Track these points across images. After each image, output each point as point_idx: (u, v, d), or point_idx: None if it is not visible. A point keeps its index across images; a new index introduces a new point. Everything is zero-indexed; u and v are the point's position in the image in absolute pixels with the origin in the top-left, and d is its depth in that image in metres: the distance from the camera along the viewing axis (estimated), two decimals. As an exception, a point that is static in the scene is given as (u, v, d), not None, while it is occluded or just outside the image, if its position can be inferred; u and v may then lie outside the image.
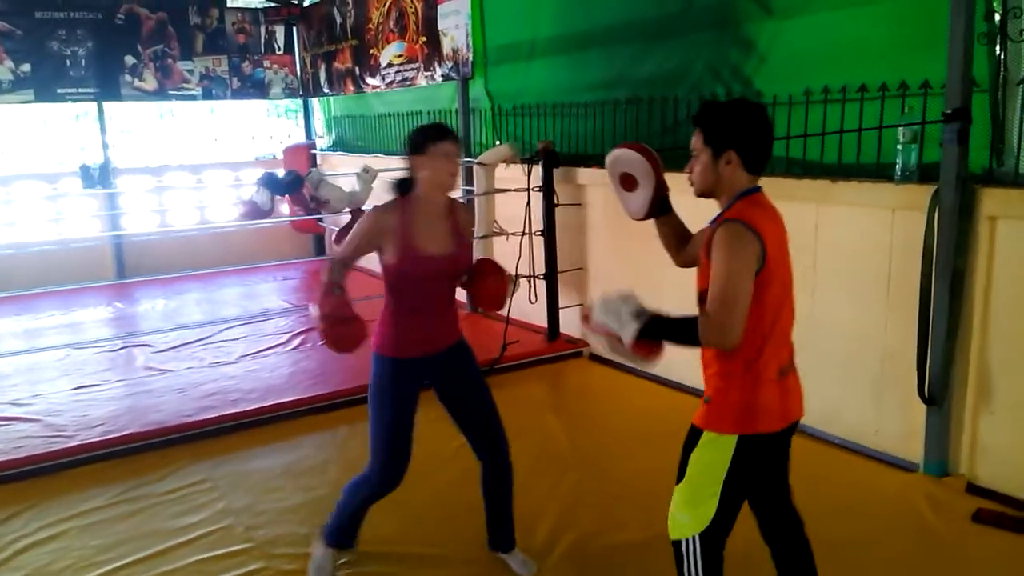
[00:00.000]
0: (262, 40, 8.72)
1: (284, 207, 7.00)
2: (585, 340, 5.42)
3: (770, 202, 2.12)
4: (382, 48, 7.24)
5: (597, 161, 5.14)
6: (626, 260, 4.97)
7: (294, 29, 8.85)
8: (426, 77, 6.61)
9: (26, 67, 7.51)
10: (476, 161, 5.81)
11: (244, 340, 5.77)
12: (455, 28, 6.10)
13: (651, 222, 2.44)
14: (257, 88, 8.78)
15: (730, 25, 4.26)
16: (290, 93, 9.03)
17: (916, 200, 3.34)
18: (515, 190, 5.40)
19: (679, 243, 2.41)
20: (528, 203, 5.26)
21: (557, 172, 5.23)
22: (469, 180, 6.06)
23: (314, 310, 2.56)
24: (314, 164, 8.93)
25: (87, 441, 3.99)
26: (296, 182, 4.74)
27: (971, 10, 3.09)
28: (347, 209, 5.04)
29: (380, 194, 5.41)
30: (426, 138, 2.55)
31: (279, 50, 8.84)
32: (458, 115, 6.37)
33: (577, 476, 3.62)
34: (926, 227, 3.28)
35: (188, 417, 4.28)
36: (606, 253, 5.25)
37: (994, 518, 3.07)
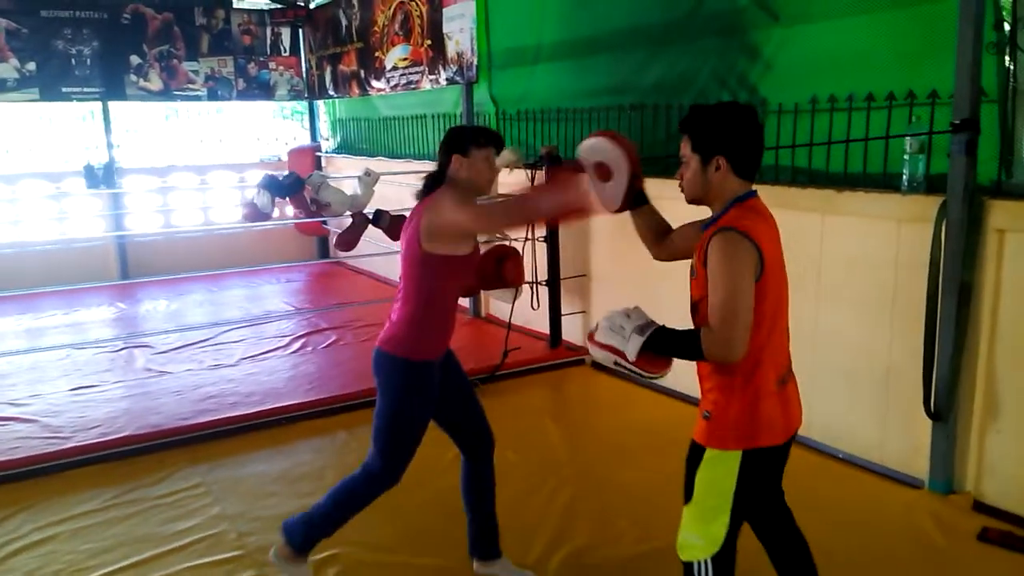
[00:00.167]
0: (268, 42, 8.71)
1: (288, 209, 6.97)
2: (587, 348, 5.36)
3: (765, 207, 2.07)
4: (387, 51, 7.21)
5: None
6: (629, 267, 4.93)
7: (300, 31, 8.83)
8: (431, 81, 6.58)
9: (31, 66, 7.50)
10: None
11: (245, 343, 5.75)
12: (460, 32, 6.06)
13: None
14: (262, 90, 8.76)
15: (736, 32, 4.23)
16: (295, 95, 9.02)
17: (923, 212, 3.29)
18: (518, 195, 5.36)
19: (656, 237, 2.37)
20: (531, 209, 5.21)
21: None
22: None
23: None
24: (319, 166, 8.92)
25: (83, 443, 3.96)
26: (297, 184, 4.70)
27: (980, 19, 3.04)
28: (348, 212, 5.00)
29: (379, 198, 5.39)
30: (471, 139, 2.51)
31: (285, 52, 8.82)
32: (462, 119, 6.34)
33: (575, 487, 3.57)
34: (933, 239, 3.23)
35: (185, 420, 4.25)
36: (609, 260, 5.21)
37: (1001, 537, 3.02)
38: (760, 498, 2.21)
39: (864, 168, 3.68)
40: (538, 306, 5.35)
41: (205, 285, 7.87)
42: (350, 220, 5.06)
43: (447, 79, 6.34)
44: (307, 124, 9.51)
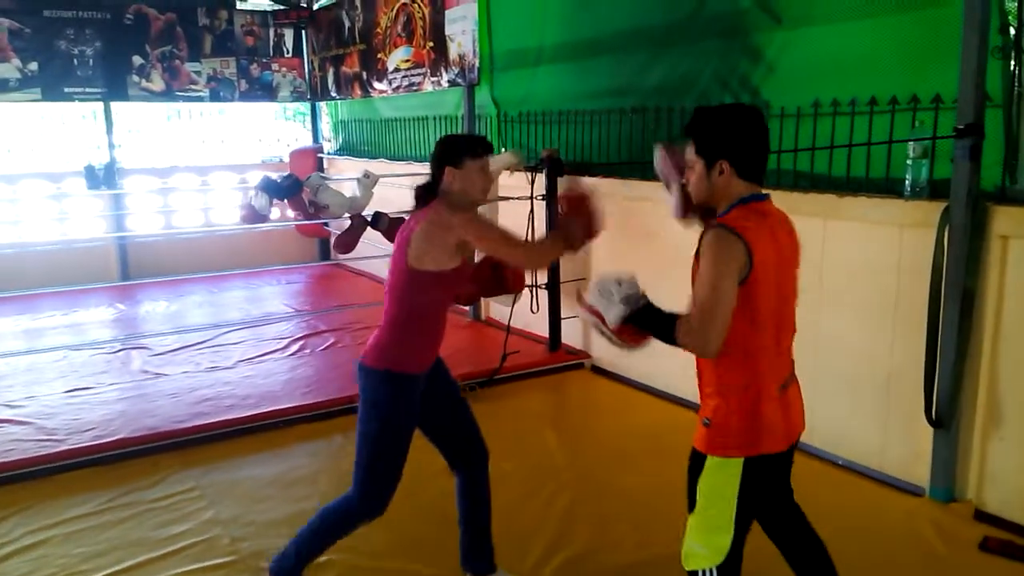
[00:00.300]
0: (271, 43, 8.69)
1: (289, 211, 6.95)
2: (587, 352, 5.34)
3: (776, 210, 2.06)
4: (389, 53, 7.19)
5: (602, 170, 5.08)
6: (629, 270, 4.88)
7: (303, 32, 8.82)
8: (432, 82, 6.56)
9: (33, 66, 7.50)
10: (480, 168, 5.74)
11: (243, 345, 5.72)
12: (462, 33, 6.04)
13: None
14: (265, 91, 8.75)
15: (739, 34, 4.19)
16: (298, 96, 9.00)
17: (926, 217, 3.25)
18: (518, 198, 5.34)
19: None
20: (531, 212, 5.19)
21: (561, 181, 5.15)
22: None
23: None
24: (321, 168, 8.90)
25: (77, 446, 3.94)
26: (295, 186, 4.68)
27: (985, 23, 3.01)
28: (347, 215, 4.97)
29: (379, 200, 5.36)
30: (464, 151, 2.45)
31: (288, 53, 8.81)
32: (464, 121, 6.31)
33: (573, 492, 3.54)
34: (935, 245, 3.19)
35: (181, 423, 4.23)
36: (609, 264, 5.16)
37: (1002, 547, 2.98)
38: (767, 502, 2.19)
39: (867, 173, 3.64)
40: (538, 309, 5.32)
41: (206, 286, 7.84)
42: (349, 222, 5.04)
43: (449, 81, 6.32)
44: (309, 125, 9.50)
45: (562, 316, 5.34)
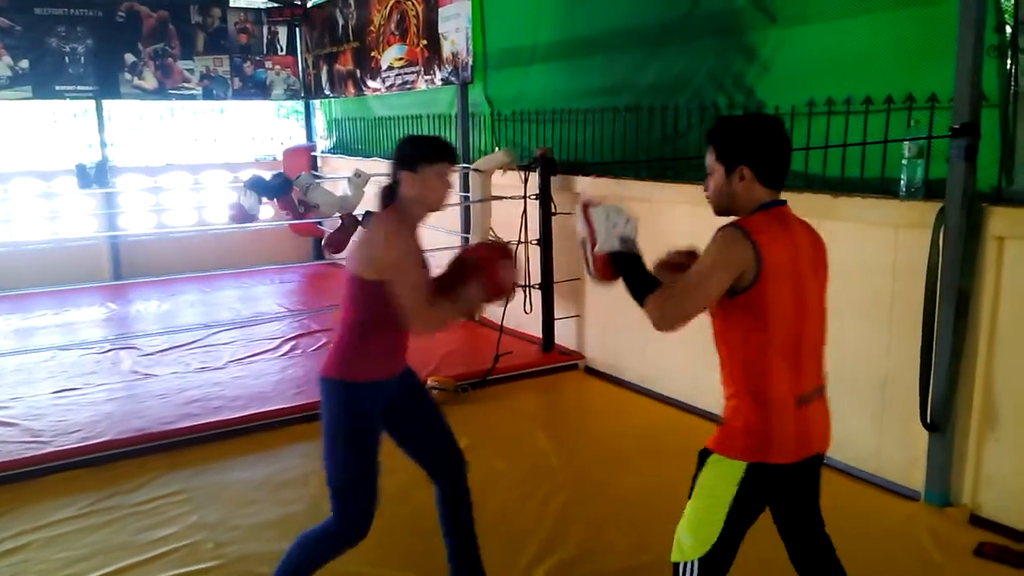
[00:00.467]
0: (264, 40, 8.64)
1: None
2: (581, 352, 5.30)
3: (794, 217, 2.05)
4: (383, 51, 7.15)
5: (596, 169, 5.04)
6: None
7: (297, 30, 8.77)
8: (426, 81, 6.51)
9: (24, 63, 7.45)
10: (472, 167, 5.70)
11: (233, 345, 5.67)
12: (455, 31, 6.00)
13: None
14: (258, 89, 8.69)
15: (733, 33, 4.15)
16: (292, 94, 8.95)
17: (921, 218, 3.21)
18: (511, 197, 5.30)
19: None
20: (524, 211, 5.15)
21: (555, 180, 5.11)
22: (465, 186, 5.95)
23: None
24: (314, 166, 8.85)
25: (62, 448, 3.89)
26: (284, 185, 4.63)
27: (981, 22, 2.97)
28: (337, 214, 4.93)
29: (371, 199, 5.32)
30: (420, 155, 2.32)
31: (282, 51, 8.76)
32: (457, 120, 6.27)
33: (567, 493, 3.50)
34: (931, 246, 3.15)
35: (168, 424, 4.18)
36: (603, 264, 5.12)
37: (997, 553, 2.94)
38: (792, 528, 2.17)
39: (861, 173, 3.60)
40: (531, 310, 5.27)
41: (198, 286, 7.80)
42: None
43: (442, 79, 6.28)
44: (303, 124, 9.44)
45: (556, 317, 5.29)
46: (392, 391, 2.48)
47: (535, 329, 5.41)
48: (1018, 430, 3.06)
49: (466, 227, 6.09)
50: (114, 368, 5.22)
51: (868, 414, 3.55)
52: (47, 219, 7.90)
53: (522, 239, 5.17)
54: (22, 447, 3.92)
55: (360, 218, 4.92)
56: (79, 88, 7.76)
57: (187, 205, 8.69)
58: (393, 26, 6.93)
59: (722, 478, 1.96)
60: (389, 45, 7.04)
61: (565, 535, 3.15)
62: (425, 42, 6.42)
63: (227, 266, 8.18)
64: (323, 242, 5.19)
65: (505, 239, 5.23)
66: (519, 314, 5.30)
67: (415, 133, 7.28)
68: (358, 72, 7.68)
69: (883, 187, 3.48)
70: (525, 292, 5.26)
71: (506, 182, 5.45)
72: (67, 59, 7.63)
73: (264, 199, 4.68)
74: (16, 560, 3.05)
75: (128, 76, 7.96)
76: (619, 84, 4.91)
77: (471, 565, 2.66)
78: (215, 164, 9.08)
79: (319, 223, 7.76)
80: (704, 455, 2.02)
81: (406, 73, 6.82)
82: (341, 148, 9.10)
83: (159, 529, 3.24)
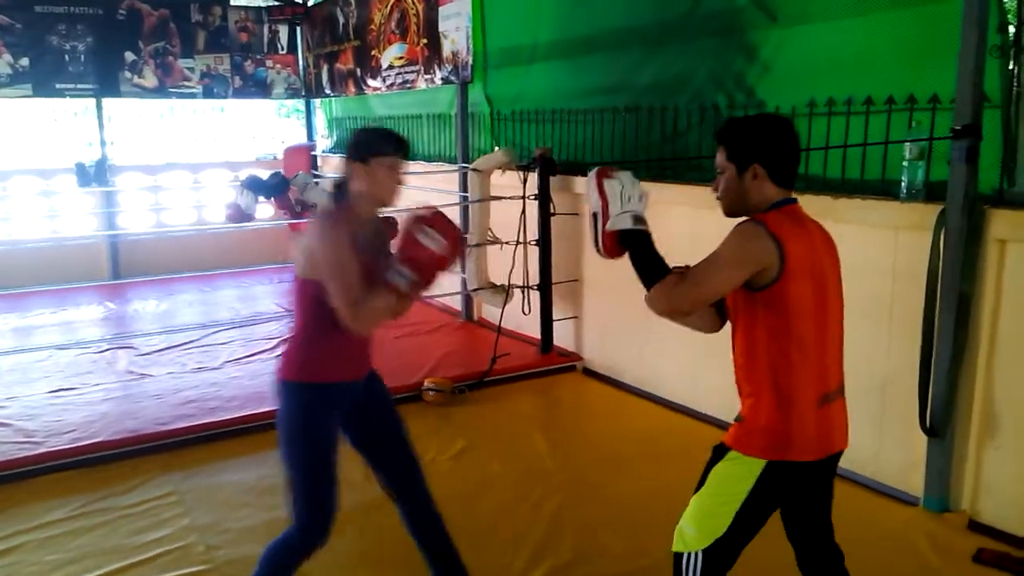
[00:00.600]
0: (265, 39, 8.62)
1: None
2: (579, 354, 5.27)
3: (807, 216, 2.03)
4: (383, 50, 7.12)
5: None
6: (622, 272, 4.78)
7: (298, 29, 8.74)
8: (426, 80, 6.48)
9: (24, 61, 7.43)
10: (471, 167, 5.67)
11: (231, 345, 5.65)
12: (455, 30, 5.97)
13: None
14: (259, 87, 8.67)
15: (734, 33, 4.11)
16: (292, 93, 8.93)
17: (922, 220, 3.17)
18: (510, 198, 5.27)
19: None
20: (523, 211, 5.12)
21: (554, 180, 5.08)
22: (464, 186, 5.92)
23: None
24: (315, 166, 8.82)
25: (55, 448, 3.86)
26: (281, 184, 4.61)
27: (984, 21, 2.93)
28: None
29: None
30: (369, 147, 2.26)
31: (282, 50, 8.73)
32: (457, 119, 6.24)
33: (562, 496, 3.47)
34: (932, 248, 3.11)
35: (163, 425, 4.15)
36: (601, 265, 5.02)
37: (996, 559, 2.90)
38: (803, 535, 2.16)
39: (862, 174, 3.56)
40: (529, 311, 5.24)
41: (197, 285, 7.78)
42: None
43: (442, 78, 6.25)
44: (304, 122, 9.42)
45: (554, 318, 5.26)
46: (357, 394, 2.41)
47: (533, 330, 5.37)
48: (1018, 436, 3.02)
49: (465, 227, 6.05)
50: (110, 368, 5.20)
51: (867, 417, 3.51)
52: (46, 217, 7.89)
53: (521, 240, 5.14)
54: (15, 447, 3.89)
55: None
56: (79, 86, 7.74)
57: (187, 204, 8.66)
58: (393, 25, 6.90)
59: (738, 474, 1.94)
60: (389, 44, 7.01)
61: (560, 539, 3.11)
62: (425, 41, 6.39)
63: (226, 265, 8.15)
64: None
65: (504, 239, 5.23)
66: (518, 315, 5.27)
67: (416, 133, 7.26)
68: (359, 71, 7.66)
69: (884, 189, 3.45)
70: (524, 293, 5.24)
71: (505, 182, 5.42)
72: (67, 57, 7.61)
73: (261, 198, 4.65)
74: (8, 562, 3.02)
75: (128, 74, 7.94)
76: (619, 84, 4.88)
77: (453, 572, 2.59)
78: (215, 163, 9.06)
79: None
80: (721, 450, 1.99)
81: (406, 72, 6.80)
82: (341, 147, 9.08)
83: (150, 532, 3.21)
